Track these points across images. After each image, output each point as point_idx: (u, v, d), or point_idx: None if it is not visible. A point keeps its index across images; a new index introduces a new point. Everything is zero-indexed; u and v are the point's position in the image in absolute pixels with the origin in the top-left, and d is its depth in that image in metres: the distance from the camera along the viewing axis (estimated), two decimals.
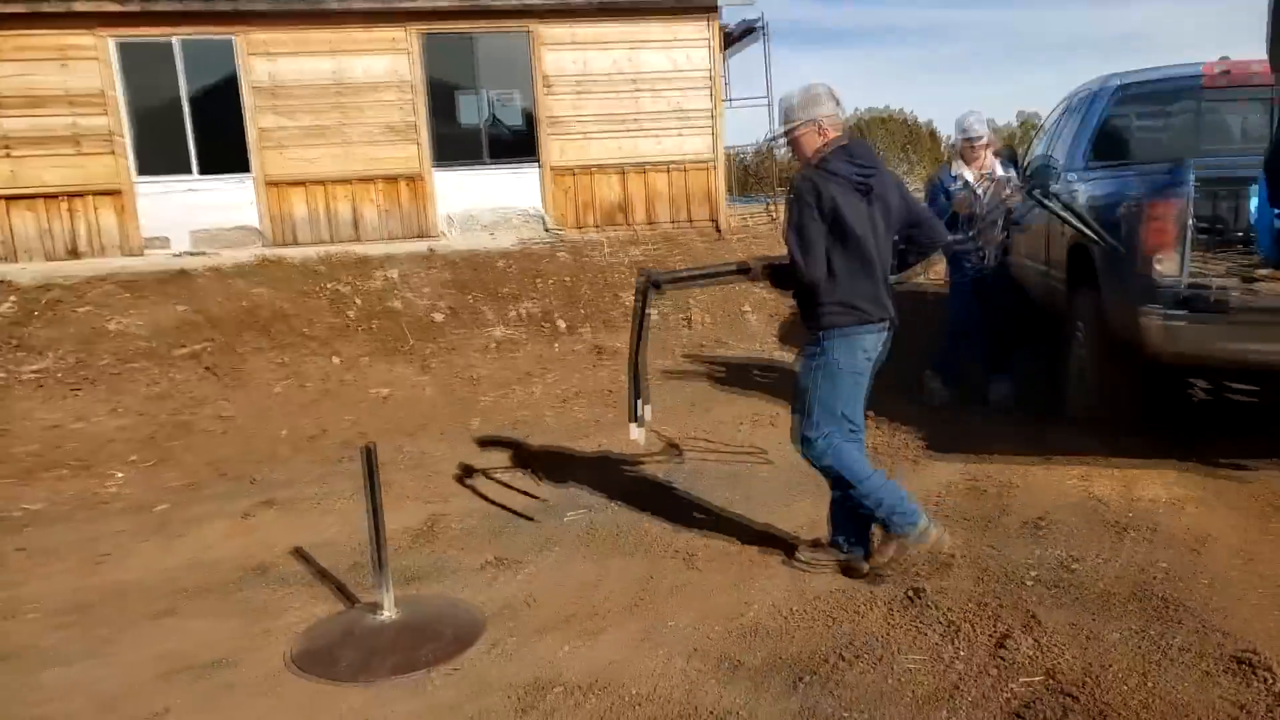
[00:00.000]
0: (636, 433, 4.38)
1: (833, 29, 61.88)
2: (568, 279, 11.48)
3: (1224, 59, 6.46)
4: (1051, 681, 3.13)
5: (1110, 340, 5.47)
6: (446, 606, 3.94)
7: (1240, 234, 5.53)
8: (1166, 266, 4.90)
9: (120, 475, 6.05)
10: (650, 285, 4.26)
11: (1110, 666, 3.19)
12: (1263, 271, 4.90)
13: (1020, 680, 3.15)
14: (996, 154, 6.80)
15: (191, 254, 12.81)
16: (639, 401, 4.35)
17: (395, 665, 3.46)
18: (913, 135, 23.02)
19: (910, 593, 3.80)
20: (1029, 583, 3.88)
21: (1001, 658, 3.30)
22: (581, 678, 3.34)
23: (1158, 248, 4.94)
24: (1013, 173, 6.68)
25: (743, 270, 4.21)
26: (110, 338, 9.50)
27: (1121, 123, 6.74)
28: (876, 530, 4.10)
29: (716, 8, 13.77)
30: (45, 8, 11.80)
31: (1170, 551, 4.08)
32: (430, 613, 3.85)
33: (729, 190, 15.74)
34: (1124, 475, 5.03)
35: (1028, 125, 27.08)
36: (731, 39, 15.81)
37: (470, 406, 7.36)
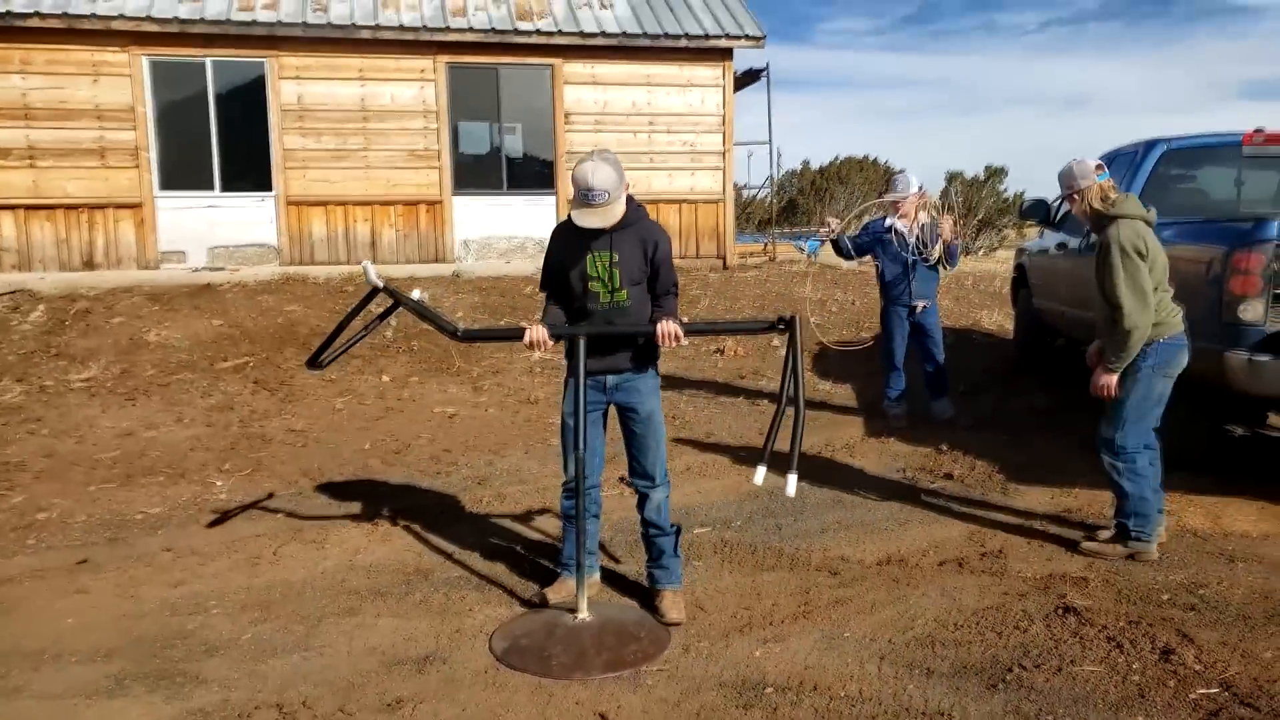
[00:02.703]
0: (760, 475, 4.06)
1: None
2: None
3: (1259, 130, 7.00)
4: (1228, 693, 3.38)
5: (1186, 382, 5.85)
6: (629, 610, 4.13)
7: None
8: (1252, 311, 5.36)
9: (220, 483, 6.12)
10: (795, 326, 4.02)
11: (1277, 680, 3.46)
12: None
13: (1199, 690, 3.40)
14: (937, 211, 7.65)
15: (210, 269, 12.83)
16: (770, 447, 4.07)
17: (606, 663, 3.63)
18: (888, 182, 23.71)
19: (1060, 609, 4.07)
20: (1166, 604, 4.16)
21: (1173, 670, 3.54)
22: (786, 679, 3.53)
23: (1244, 295, 5.38)
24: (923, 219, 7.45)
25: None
26: (151, 349, 9.53)
27: (1168, 180, 7.24)
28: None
29: (731, 53, 14.25)
30: (83, 25, 11.87)
31: None
32: (618, 616, 4.04)
33: None
34: (1209, 510, 5.37)
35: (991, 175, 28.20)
36: (736, 84, 16.27)
37: (541, 426, 7.52)
